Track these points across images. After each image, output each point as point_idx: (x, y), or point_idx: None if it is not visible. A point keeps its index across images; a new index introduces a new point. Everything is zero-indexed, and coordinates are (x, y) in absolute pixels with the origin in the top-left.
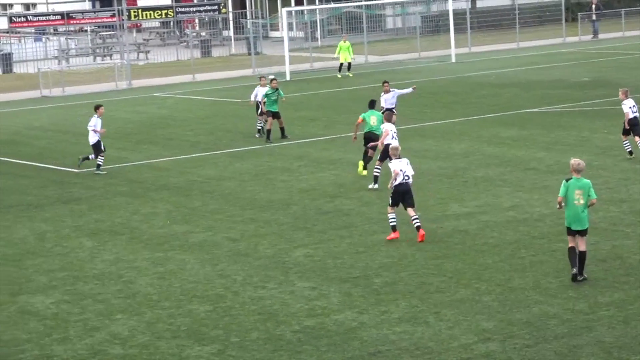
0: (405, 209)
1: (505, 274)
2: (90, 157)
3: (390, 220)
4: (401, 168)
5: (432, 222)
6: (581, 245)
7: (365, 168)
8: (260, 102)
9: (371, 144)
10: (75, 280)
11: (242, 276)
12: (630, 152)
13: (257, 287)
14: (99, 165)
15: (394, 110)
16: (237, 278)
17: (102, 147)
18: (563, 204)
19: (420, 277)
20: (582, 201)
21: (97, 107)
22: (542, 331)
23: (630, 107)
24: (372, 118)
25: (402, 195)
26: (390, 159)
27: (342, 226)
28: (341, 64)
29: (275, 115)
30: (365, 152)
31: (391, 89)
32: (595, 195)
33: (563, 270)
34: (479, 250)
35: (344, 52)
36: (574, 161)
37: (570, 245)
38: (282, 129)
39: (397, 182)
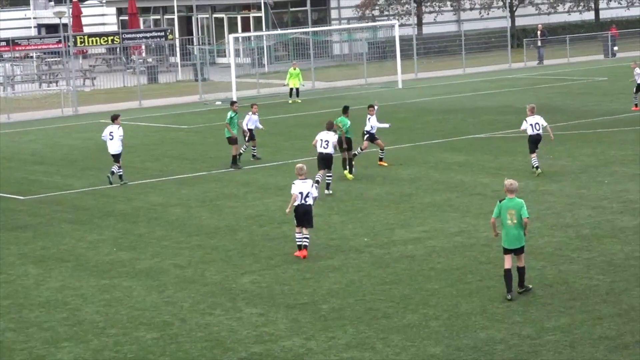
0: (301, 227)
1: (452, 299)
2: (114, 169)
3: (296, 240)
4: (301, 190)
5: (379, 247)
6: (519, 262)
7: (350, 172)
8: (250, 129)
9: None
10: (21, 308)
11: (189, 303)
12: (537, 167)
13: (204, 313)
14: (121, 176)
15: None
16: (184, 305)
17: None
18: (498, 230)
19: (368, 303)
20: (515, 220)
21: (116, 117)
22: (489, 356)
23: (531, 124)
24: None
25: (301, 215)
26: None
27: (289, 252)
28: (291, 89)
29: (234, 141)
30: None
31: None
32: (527, 214)
33: None
34: (426, 275)
35: (293, 79)
36: (507, 181)
37: (506, 266)
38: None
39: (296, 204)
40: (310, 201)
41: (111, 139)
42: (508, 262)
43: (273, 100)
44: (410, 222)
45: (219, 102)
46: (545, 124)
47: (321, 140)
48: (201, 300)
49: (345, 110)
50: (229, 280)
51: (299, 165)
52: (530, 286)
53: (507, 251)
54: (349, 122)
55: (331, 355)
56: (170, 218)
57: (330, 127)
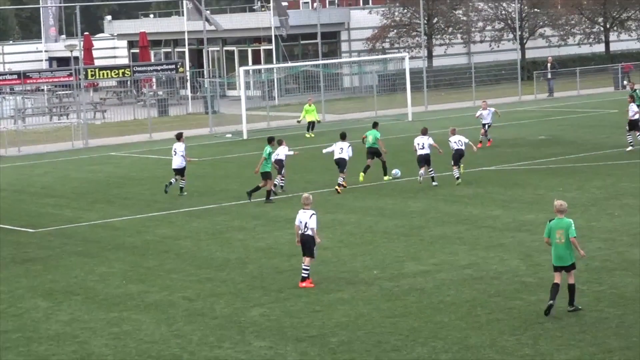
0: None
1: (461, 332)
2: (172, 181)
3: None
4: (301, 220)
5: (389, 280)
6: (569, 278)
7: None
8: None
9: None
10: (29, 341)
11: (198, 336)
12: (458, 178)
13: (213, 346)
14: (182, 189)
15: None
16: (193, 338)
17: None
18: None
19: (377, 336)
20: (563, 240)
21: (180, 135)
22: None
23: (455, 142)
24: (370, 136)
25: (303, 245)
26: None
27: (299, 285)
28: (309, 122)
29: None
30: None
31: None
32: (575, 233)
33: (519, 328)
34: (435, 308)
35: (309, 115)
36: (557, 202)
37: (555, 281)
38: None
39: (300, 232)
40: (308, 232)
41: (175, 155)
42: (557, 278)
43: (283, 132)
44: (420, 255)
45: (229, 135)
46: (466, 141)
47: (418, 143)
48: (210, 334)
49: (375, 125)
50: (238, 313)
51: (305, 195)
52: (580, 307)
53: (556, 268)
54: (379, 134)
55: None
56: (180, 251)
57: (425, 132)
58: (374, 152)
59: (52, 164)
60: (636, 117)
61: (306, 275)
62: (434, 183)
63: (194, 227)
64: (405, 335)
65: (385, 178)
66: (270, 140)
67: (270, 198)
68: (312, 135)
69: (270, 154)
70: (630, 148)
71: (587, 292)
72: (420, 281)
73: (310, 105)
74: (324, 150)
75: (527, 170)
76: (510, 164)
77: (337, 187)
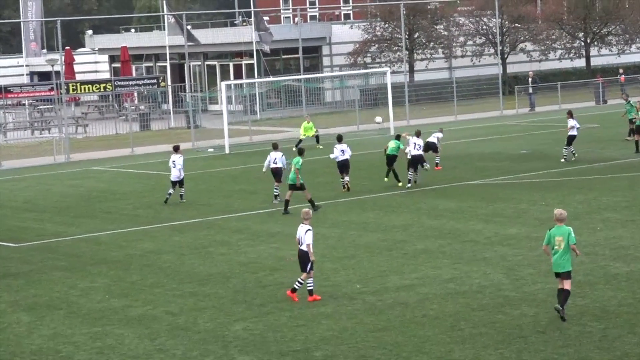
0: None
1: (445, 347)
2: (171, 191)
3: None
4: (299, 234)
5: (371, 294)
6: (565, 284)
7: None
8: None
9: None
10: (12, 356)
11: (181, 350)
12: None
13: None
14: (182, 195)
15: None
16: (176, 352)
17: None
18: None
19: (360, 350)
20: (562, 246)
21: (177, 147)
22: None
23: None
24: (390, 143)
25: (298, 260)
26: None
27: (282, 299)
28: (300, 140)
29: (303, 186)
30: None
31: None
32: (575, 240)
33: (503, 342)
34: (418, 322)
35: (307, 132)
36: (557, 211)
37: (559, 286)
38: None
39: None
40: (303, 247)
41: (174, 167)
42: (560, 283)
43: (265, 147)
44: (403, 269)
45: (211, 150)
46: (421, 143)
47: (414, 143)
48: (193, 348)
49: (398, 137)
50: (221, 328)
51: (305, 209)
52: (565, 318)
53: (556, 274)
54: (401, 144)
55: None
56: (162, 265)
57: (419, 134)
58: (391, 160)
59: (34, 179)
60: (574, 132)
61: (297, 287)
62: (408, 185)
63: (176, 242)
64: (389, 349)
65: (399, 184)
66: (301, 152)
67: (316, 205)
68: (321, 147)
69: (299, 164)
70: (563, 160)
71: (571, 306)
72: (403, 295)
73: (308, 123)
74: (331, 156)
75: (509, 184)
76: (493, 178)
77: (344, 186)
